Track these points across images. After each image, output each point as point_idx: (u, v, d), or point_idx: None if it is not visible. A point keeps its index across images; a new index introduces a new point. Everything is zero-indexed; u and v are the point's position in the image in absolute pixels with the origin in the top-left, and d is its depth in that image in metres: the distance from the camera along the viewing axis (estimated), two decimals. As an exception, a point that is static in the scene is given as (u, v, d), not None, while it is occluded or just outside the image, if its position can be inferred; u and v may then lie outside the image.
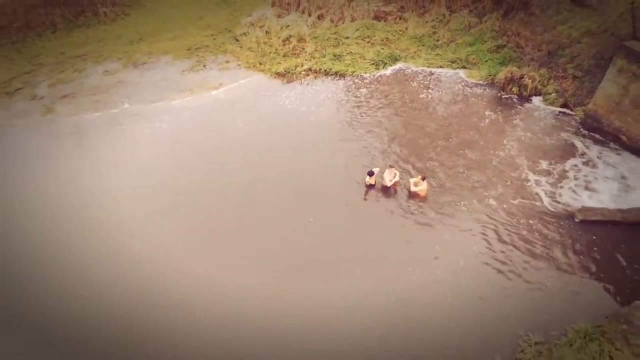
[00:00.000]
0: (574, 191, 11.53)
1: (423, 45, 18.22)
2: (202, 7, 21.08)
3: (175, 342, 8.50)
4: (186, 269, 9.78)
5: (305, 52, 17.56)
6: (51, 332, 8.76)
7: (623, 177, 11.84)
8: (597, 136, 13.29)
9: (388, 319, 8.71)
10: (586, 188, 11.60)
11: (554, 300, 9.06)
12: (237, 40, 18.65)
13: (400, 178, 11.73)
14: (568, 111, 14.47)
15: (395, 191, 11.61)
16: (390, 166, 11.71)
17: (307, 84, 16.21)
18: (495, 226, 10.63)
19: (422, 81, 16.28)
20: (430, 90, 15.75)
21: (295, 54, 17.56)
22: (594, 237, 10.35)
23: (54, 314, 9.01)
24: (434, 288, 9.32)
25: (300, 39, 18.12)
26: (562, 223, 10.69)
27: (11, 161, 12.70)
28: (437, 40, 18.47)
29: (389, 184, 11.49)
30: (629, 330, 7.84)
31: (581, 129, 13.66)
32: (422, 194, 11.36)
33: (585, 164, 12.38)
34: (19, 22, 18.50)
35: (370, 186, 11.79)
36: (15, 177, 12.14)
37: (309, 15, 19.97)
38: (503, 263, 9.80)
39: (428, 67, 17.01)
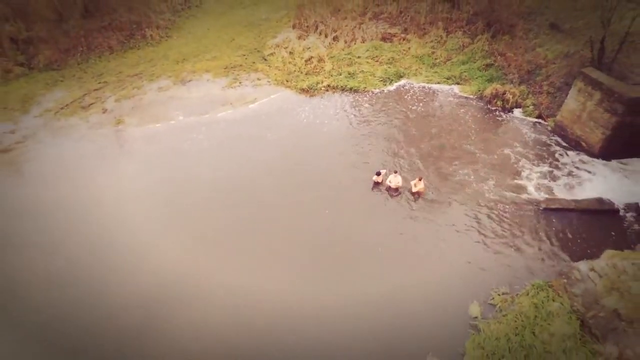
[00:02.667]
0: (541, 184, 14.74)
1: (423, 64, 21.49)
2: (233, 30, 24.42)
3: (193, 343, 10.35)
4: (211, 260, 12.22)
5: (325, 70, 20.86)
6: (68, 336, 10.56)
7: (580, 175, 15.04)
8: (563, 142, 16.50)
9: (403, 277, 11.87)
10: (550, 182, 14.81)
11: (520, 265, 12.22)
12: (265, 59, 21.98)
13: (404, 182, 14.64)
14: (542, 121, 17.69)
15: (399, 192, 14.55)
16: (395, 172, 14.73)
17: (327, 98, 19.52)
18: (480, 211, 13.81)
19: (422, 96, 19.55)
20: (428, 104, 19.02)
21: (316, 72, 20.85)
22: (554, 220, 13.55)
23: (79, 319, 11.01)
24: (436, 256, 12.50)
25: (320, 60, 21.41)
26: (530, 210, 13.90)
27: (92, 162, 16.01)
28: (436, 59, 21.73)
29: (393, 185, 14.46)
30: (567, 282, 11.09)
31: (551, 136, 16.88)
32: (422, 191, 14.55)
33: (552, 163, 15.58)
34: (82, 45, 21.91)
35: (377, 184, 14.83)
36: (96, 176, 15.51)
37: (326, 36, 23.28)
38: (484, 238, 12.95)
39: (427, 83, 20.27)
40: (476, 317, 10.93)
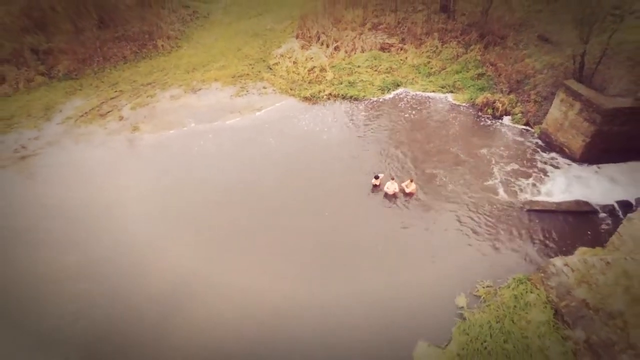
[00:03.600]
0: (525, 187, 16.00)
1: (419, 73, 22.76)
2: (240, 40, 25.72)
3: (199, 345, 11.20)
4: (214, 258, 13.28)
5: (326, 79, 22.14)
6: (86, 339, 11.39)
7: (562, 179, 16.29)
8: (548, 148, 17.76)
9: (398, 273, 13.09)
10: (534, 185, 16.07)
11: (503, 261, 13.44)
12: (270, 69, 23.28)
13: (398, 185, 15.79)
14: (529, 128, 18.95)
15: (396, 197, 15.72)
16: (392, 178, 15.88)
17: (329, 106, 20.81)
18: (467, 212, 15.06)
19: (417, 104, 20.82)
20: (423, 111, 20.30)
21: (318, 81, 22.14)
22: (537, 221, 14.79)
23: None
24: (427, 253, 13.74)
25: (322, 69, 22.71)
26: (514, 210, 15.15)
27: (111, 167, 17.32)
28: (431, 69, 22.99)
29: (390, 192, 15.54)
30: (544, 276, 12.36)
31: (537, 142, 18.15)
32: (413, 192, 15.78)
33: (537, 167, 16.83)
34: (98, 55, 23.26)
35: (375, 187, 16.06)
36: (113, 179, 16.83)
37: (327, 46, 24.57)
38: (471, 235, 14.21)
39: (423, 91, 21.54)
40: (462, 307, 12.17)
